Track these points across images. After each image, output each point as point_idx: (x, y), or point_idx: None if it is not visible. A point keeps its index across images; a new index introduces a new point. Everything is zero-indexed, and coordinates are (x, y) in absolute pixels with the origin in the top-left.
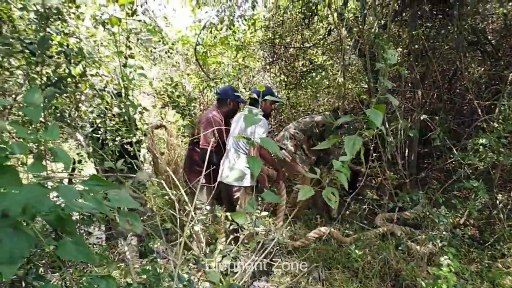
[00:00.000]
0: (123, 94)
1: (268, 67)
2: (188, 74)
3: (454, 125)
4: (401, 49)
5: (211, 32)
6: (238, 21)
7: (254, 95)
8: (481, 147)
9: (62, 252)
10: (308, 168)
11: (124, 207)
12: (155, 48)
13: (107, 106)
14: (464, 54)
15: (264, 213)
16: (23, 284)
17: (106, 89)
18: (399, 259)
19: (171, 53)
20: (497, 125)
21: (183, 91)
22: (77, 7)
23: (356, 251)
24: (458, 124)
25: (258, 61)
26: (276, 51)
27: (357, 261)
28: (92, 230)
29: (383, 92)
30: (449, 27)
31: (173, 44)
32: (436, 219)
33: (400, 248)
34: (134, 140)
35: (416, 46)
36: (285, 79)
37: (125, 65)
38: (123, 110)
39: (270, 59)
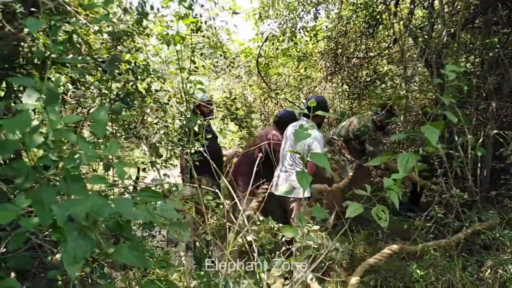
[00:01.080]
0: (185, 107)
1: (330, 77)
2: (250, 85)
3: None
4: (473, 58)
5: (273, 44)
6: (300, 32)
7: (305, 110)
8: None
9: (119, 256)
10: (351, 172)
11: (171, 217)
12: (217, 62)
13: (170, 119)
14: None
15: (316, 227)
16: (89, 280)
17: (169, 102)
18: (466, 282)
19: (232, 66)
20: None
21: (244, 102)
22: (144, 28)
23: (418, 270)
24: None
25: (320, 72)
26: (338, 61)
27: (418, 281)
28: (155, 233)
29: (441, 107)
30: None
31: (234, 58)
32: (508, 242)
33: (467, 271)
34: (192, 151)
35: (491, 54)
36: (348, 89)
37: (188, 80)
38: (184, 122)
39: (332, 69)
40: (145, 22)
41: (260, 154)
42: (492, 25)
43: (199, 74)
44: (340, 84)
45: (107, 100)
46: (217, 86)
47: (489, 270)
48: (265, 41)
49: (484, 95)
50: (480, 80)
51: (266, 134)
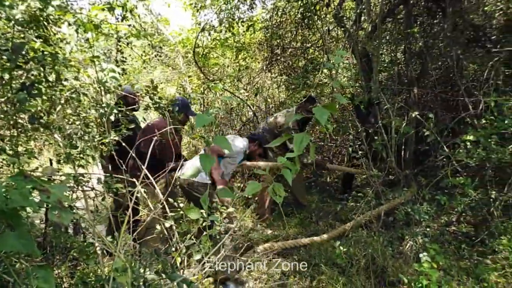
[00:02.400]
0: (101, 97)
1: (268, 68)
2: (189, 76)
3: (450, 122)
4: (396, 47)
5: (209, 34)
6: (237, 23)
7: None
8: (468, 144)
9: (2, 245)
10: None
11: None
12: (152, 52)
13: (86, 109)
14: (463, 51)
15: (230, 209)
16: None
17: (86, 92)
18: (386, 256)
19: (159, 55)
20: (484, 121)
21: (183, 93)
22: (56, 14)
23: (341, 247)
24: (455, 122)
25: (259, 62)
26: (275, 51)
27: (342, 257)
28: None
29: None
30: (444, 24)
31: (171, 48)
32: (417, 216)
33: (389, 245)
34: (107, 141)
35: (412, 44)
36: (287, 79)
37: (101, 69)
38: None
39: (270, 60)
40: (50, 9)
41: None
42: (414, 16)
43: (128, 64)
44: (279, 74)
45: (10, 90)
46: (156, 77)
47: (408, 243)
48: (202, 31)
49: (406, 81)
50: (403, 68)
51: (153, 125)
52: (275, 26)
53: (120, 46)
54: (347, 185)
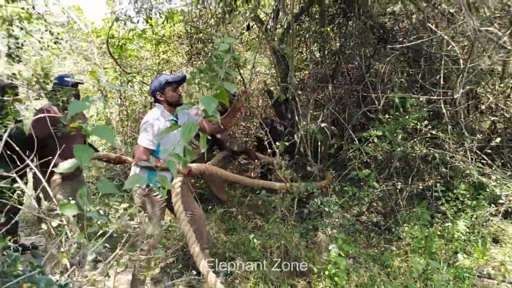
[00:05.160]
0: None
1: (190, 62)
2: (104, 68)
3: (362, 118)
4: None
5: (125, 24)
6: (155, 14)
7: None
8: (375, 138)
9: None
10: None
11: None
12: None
13: None
14: (375, 51)
15: (124, 205)
16: None
17: None
18: (301, 247)
19: (59, 43)
20: (387, 116)
21: (98, 86)
22: None
23: (255, 240)
24: (367, 117)
25: (180, 56)
26: (195, 45)
27: (256, 250)
28: None
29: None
30: (353, 24)
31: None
32: (327, 208)
33: (305, 236)
34: None
35: (327, 42)
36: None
37: None
38: None
39: (191, 54)
40: None
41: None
42: (331, 16)
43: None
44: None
45: None
46: (67, 67)
47: (320, 234)
48: (116, 20)
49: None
50: (318, 66)
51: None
52: (195, 19)
53: (13, 30)
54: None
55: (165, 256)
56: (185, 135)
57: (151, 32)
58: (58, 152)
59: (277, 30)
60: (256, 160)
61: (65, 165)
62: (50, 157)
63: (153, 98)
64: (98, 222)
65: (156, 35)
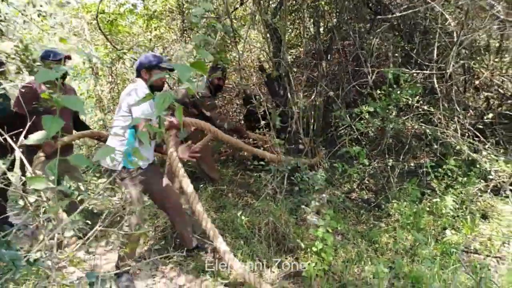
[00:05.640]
0: None
1: (182, 38)
2: (95, 44)
3: (355, 95)
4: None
5: None
6: None
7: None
8: (367, 114)
9: None
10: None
11: None
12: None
13: None
14: (371, 26)
15: (102, 180)
16: None
17: None
18: (289, 224)
19: (40, 13)
20: (380, 92)
21: (90, 63)
22: None
23: (243, 217)
24: (360, 94)
25: (172, 32)
26: (186, 21)
27: (244, 227)
28: None
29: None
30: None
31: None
32: (311, 182)
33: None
34: None
35: (320, 17)
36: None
37: None
38: None
39: (183, 30)
40: None
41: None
42: None
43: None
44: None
45: None
46: (56, 44)
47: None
48: None
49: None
50: (312, 42)
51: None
52: None
53: None
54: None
55: (153, 234)
56: (159, 106)
57: (143, 7)
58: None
59: (271, 3)
60: (247, 138)
61: (34, 137)
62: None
63: (136, 72)
64: (78, 199)
65: (148, 10)
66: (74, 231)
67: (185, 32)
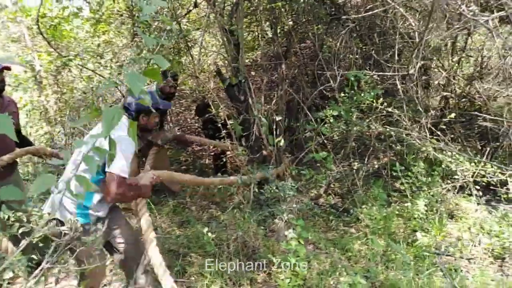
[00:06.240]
0: None
1: (133, 42)
2: (37, 51)
3: (317, 98)
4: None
5: (57, 1)
6: None
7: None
8: (331, 118)
9: None
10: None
11: None
12: None
13: None
14: (328, 28)
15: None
16: None
17: None
18: (258, 236)
19: None
20: (343, 95)
21: (32, 72)
22: None
23: (209, 234)
24: (322, 97)
25: (122, 37)
26: (136, 24)
27: (211, 244)
28: None
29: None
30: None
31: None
32: (282, 193)
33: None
34: None
35: (276, 19)
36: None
37: None
38: None
39: (133, 34)
40: None
41: None
42: None
43: None
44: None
45: None
46: None
47: (278, 222)
48: None
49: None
50: (270, 45)
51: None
52: None
53: None
54: (219, 166)
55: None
56: (107, 123)
57: (91, 11)
58: None
59: (226, 6)
60: (194, 144)
61: None
62: None
63: (125, 109)
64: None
65: (95, 13)
66: (14, 272)
67: (136, 36)
